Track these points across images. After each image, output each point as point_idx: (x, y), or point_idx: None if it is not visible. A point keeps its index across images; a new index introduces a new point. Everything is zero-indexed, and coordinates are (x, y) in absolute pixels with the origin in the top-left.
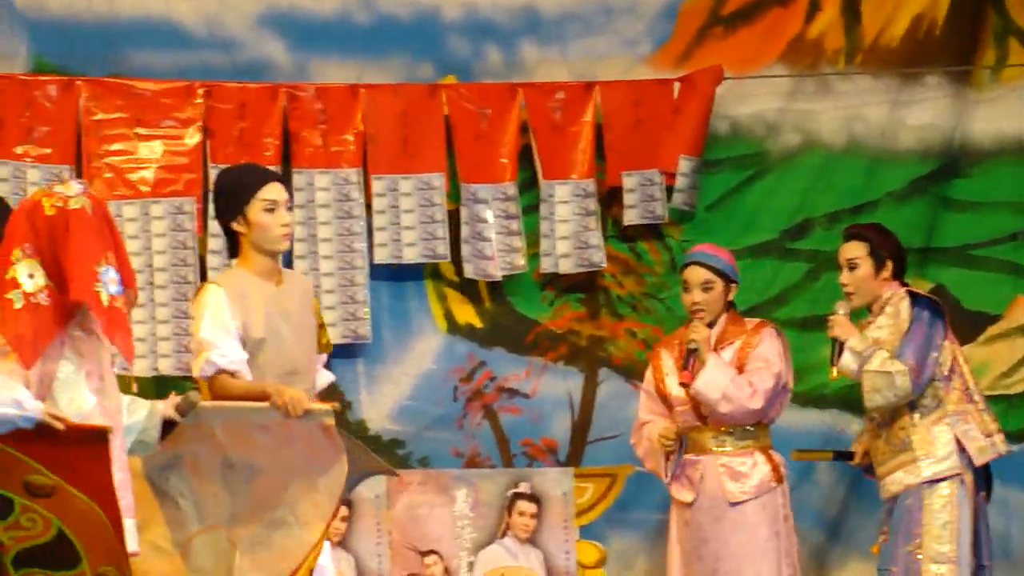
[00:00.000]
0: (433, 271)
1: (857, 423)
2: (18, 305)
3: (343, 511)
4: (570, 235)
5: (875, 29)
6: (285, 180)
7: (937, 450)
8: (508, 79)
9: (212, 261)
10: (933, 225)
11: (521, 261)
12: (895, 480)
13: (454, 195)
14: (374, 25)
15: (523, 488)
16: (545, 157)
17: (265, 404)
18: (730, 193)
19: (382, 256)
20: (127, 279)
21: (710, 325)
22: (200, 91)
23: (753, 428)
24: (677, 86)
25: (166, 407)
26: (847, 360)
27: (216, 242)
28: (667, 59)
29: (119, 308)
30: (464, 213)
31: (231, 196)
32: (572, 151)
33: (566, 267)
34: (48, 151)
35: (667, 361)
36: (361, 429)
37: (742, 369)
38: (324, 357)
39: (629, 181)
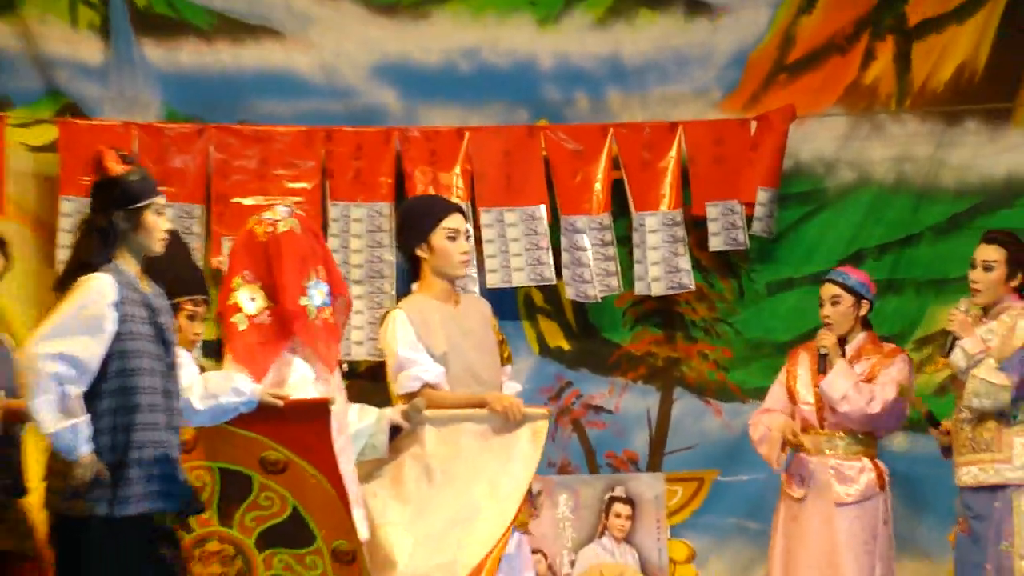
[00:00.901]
0: (527, 299)
1: (898, 436)
2: (242, 327)
3: None
4: (660, 260)
5: (923, 75)
6: (464, 212)
7: (1015, 458)
8: (595, 121)
9: None
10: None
11: (616, 283)
12: (969, 472)
13: (554, 226)
14: (476, 74)
15: (619, 492)
16: (635, 190)
17: (483, 411)
18: (793, 226)
19: (493, 281)
20: (337, 288)
21: (844, 340)
22: (320, 136)
23: (864, 436)
24: (754, 124)
25: (393, 414)
26: (957, 356)
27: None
28: (736, 103)
29: (326, 319)
30: (564, 242)
31: (416, 224)
32: (659, 184)
33: (658, 290)
34: (181, 191)
35: (803, 362)
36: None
37: (871, 382)
38: (508, 369)
39: (713, 211)
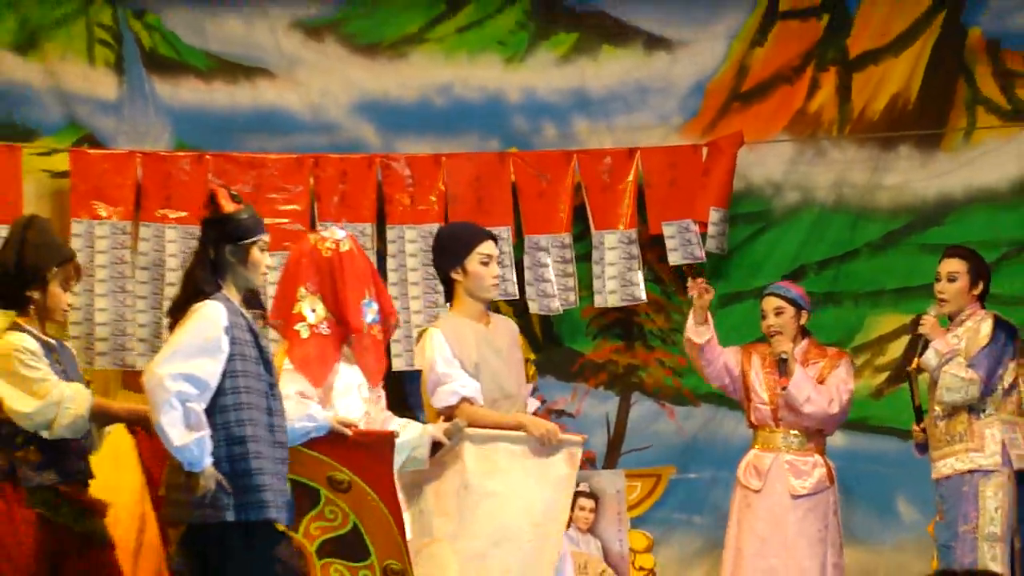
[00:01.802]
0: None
1: (837, 435)
2: (304, 335)
3: None
4: (616, 275)
5: (861, 104)
6: (496, 239)
7: (985, 447)
8: (562, 148)
9: None
10: (910, 269)
11: (574, 298)
12: (946, 464)
13: (519, 245)
14: (449, 108)
15: (583, 487)
16: (596, 211)
17: (520, 433)
18: (742, 243)
19: None
20: (386, 308)
21: None
22: (309, 162)
23: (814, 434)
24: (705, 150)
25: (435, 430)
26: (929, 356)
27: None
28: (696, 129)
29: (374, 335)
30: (527, 260)
31: (452, 249)
32: (618, 206)
33: (613, 302)
34: (184, 214)
35: (755, 363)
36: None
37: (822, 384)
38: (530, 386)
39: (669, 229)
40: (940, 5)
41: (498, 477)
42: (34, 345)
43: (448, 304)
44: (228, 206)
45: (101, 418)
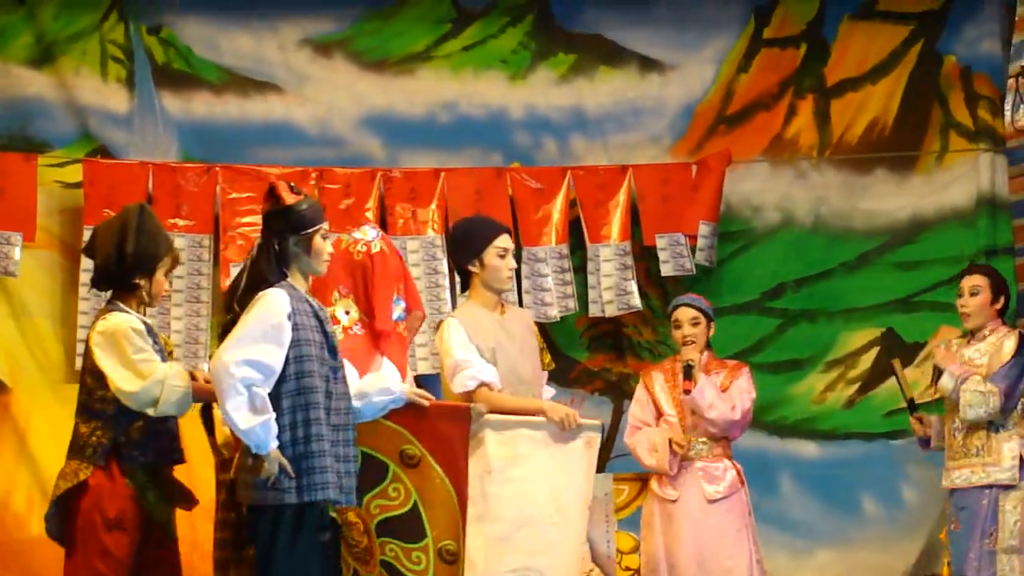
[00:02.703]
0: None
1: (812, 446)
2: (339, 338)
3: None
4: (612, 286)
5: (841, 128)
6: (511, 233)
7: (1003, 462)
8: (561, 164)
9: None
10: (882, 286)
11: (573, 305)
12: (961, 475)
13: (517, 256)
14: (454, 123)
15: None
16: (590, 225)
17: (540, 418)
18: (725, 259)
19: None
20: (412, 304)
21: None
22: (313, 175)
23: (721, 440)
24: (695, 168)
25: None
26: (945, 380)
27: None
28: (684, 149)
29: (400, 332)
30: (525, 270)
31: (470, 243)
32: (611, 220)
33: (610, 311)
34: (192, 223)
35: (658, 381)
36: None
37: (725, 392)
38: (545, 374)
39: (661, 242)
40: (918, 35)
41: (520, 463)
42: (141, 326)
43: (464, 296)
44: (289, 198)
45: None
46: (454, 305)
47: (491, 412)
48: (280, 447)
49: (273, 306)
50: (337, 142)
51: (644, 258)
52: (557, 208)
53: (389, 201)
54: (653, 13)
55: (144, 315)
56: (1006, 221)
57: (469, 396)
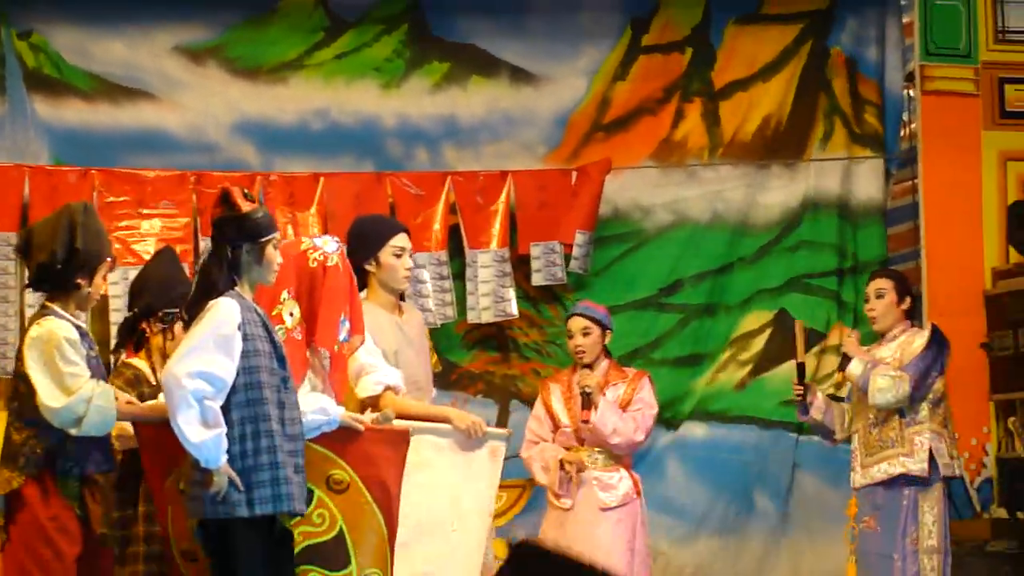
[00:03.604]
0: None
1: (729, 431)
2: (280, 337)
3: None
4: (489, 292)
5: (732, 128)
6: (409, 232)
7: (915, 454)
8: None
9: None
10: (775, 272)
11: (452, 312)
12: (880, 469)
13: None
14: (327, 131)
15: None
16: (469, 231)
17: (445, 425)
18: (613, 262)
19: None
20: (356, 328)
21: (589, 366)
22: (191, 179)
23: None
24: (574, 175)
25: (364, 419)
26: (855, 366)
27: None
28: (559, 158)
29: (343, 354)
30: None
31: (366, 240)
32: (490, 226)
33: (487, 317)
34: None
35: (556, 393)
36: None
37: (625, 408)
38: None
39: (535, 250)
40: (808, 33)
41: (423, 469)
42: (75, 335)
43: (363, 295)
44: (244, 205)
45: (122, 415)
46: None
47: (399, 418)
48: (229, 459)
49: (224, 316)
50: (211, 148)
51: (524, 264)
52: (437, 214)
53: (268, 205)
54: (527, 24)
55: (79, 319)
56: (881, 230)
57: (375, 400)
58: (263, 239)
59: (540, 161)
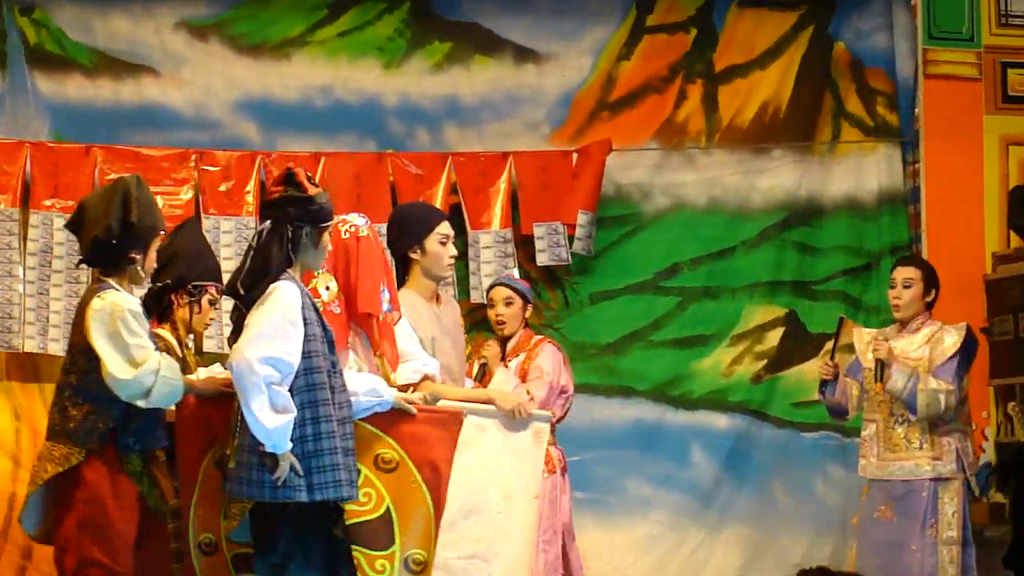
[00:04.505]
0: None
1: (724, 419)
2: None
3: None
4: (492, 273)
5: (730, 114)
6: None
7: (945, 456)
8: (437, 152)
9: None
10: (781, 264)
11: (453, 292)
12: (903, 468)
13: None
14: (329, 109)
15: None
16: (471, 211)
17: (489, 407)
18: (612, 244)
19: None
20: (394, 303)
21: (508, 338)
22: (193, 157)
23: None
24: (575, 156)
25: (411, 397)
26: (897, 379)
27: None
28: (563, 137)
29: (389, 324)
30: None
31: (411, 228)
32: (492, 207)
33: None
34: (71, 203)
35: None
36: None
37: (524, 378)
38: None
39: (539, 230)
40: (808, 20)
41: (468, 451)
42: (139, 308)
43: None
44: (311, 188)
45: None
46: None
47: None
48: (291, 444)
49: (290, 300)
50: (213, 125)
51: (527, 244)
52: (438, 194)
53: (269, 184)
54: (532, 3)
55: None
56: (904, 217)
57: (413, 388)
58: (324, 224)
59: (544, 140)
